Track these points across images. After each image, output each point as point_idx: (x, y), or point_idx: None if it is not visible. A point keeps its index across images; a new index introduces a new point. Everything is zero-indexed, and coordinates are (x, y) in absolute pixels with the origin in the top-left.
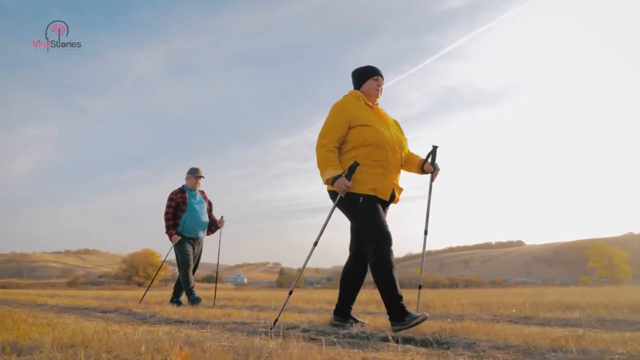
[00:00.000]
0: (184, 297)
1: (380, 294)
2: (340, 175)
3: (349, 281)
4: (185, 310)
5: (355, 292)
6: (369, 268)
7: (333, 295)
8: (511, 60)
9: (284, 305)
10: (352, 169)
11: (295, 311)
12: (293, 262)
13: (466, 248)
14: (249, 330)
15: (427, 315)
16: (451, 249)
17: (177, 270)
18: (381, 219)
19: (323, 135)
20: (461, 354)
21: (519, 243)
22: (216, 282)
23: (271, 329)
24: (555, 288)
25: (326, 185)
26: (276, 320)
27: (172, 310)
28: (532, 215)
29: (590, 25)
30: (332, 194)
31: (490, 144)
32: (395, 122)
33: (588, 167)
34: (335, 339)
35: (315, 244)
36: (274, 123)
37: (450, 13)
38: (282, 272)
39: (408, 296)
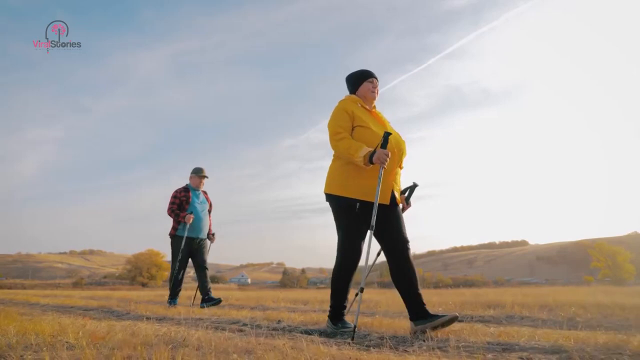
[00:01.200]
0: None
1: (330, 297)
2: (375, 150)
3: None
4: (158, 309)
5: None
6: (357, 266)
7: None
8: (515, 59)
9: (356, 306)
10: (386, 138)
11: (285, 310)
12: (297, 262)
13: (470, 248)
14: (207, 326)
15: (353, 324)
16: (455, 249)
17: (192, 272)
18: (358, 237)
19: (335, 129)
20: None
21: (523, 243)
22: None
23: (352, 338)
24: (549, 288)
25: (324, 188)
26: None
27: (148, 309)
28: (536, 215)
29: (595, 25)
30: (330, 197)
31: (494, 144)
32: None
33: (592, 167)
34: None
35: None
36: (278, 123)
37: (454, 12)
38: (285, 272)
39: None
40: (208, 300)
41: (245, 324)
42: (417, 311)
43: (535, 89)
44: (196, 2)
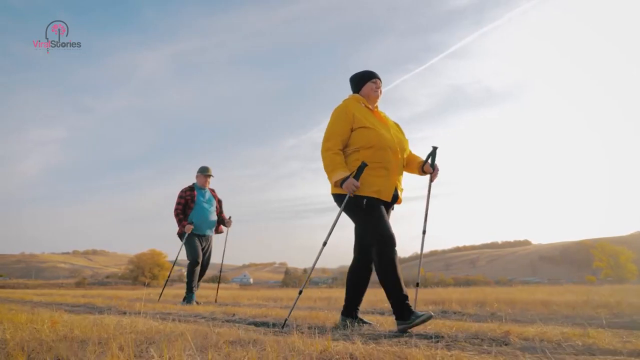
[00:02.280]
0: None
1: (386, 293)
2: (348, 177)
3: (354, 282)
4: (141, 306)
5: (362, 293)
6: (373, 268)
7: (338, 293)
8: (518, 58)
9: (294, 304)
10: (360, 169)
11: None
12: (299, 262)
13: (473, 248)
14: (172, 319)
15: (432, 314)
16: (458, 249)
17: (184, 270)
18: (384, 220)
19: (327, 139)
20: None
21: (526, 242)
22: (219, 282)
23: (282, 327)
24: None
25: (331, 189)
26: (285, 320)
27: (131, 306)
28: (539, 215)
29: (596, 24)
30: (337, 197)
31: (497, 143)
32: (396, 124)
33: (596, 166)
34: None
35: (325, 243)
36: (280, 123)
37: (456, 12)
38: (287, 272)
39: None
40: (186, 299)
41: (203, 317)
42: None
43: (538, 89)
44: (197, 2)
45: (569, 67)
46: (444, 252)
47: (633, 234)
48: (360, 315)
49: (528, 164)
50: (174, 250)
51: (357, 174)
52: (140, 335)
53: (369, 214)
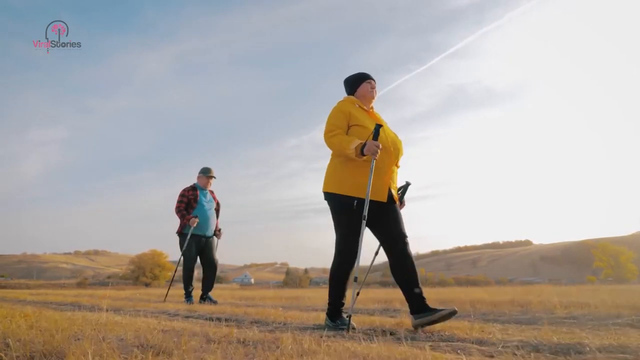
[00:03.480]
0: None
1: (329, 295)
2: (365, 143)
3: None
4: (126, 304)
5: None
6: (355, 264)
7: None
8: (519, 58)
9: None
10: (377, 130)
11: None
12: (301, 262)
13: (474, 248)
14: (146, 315)
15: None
16: (459, 249)
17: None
18: (355, 234)
19: (329, 129)
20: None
21: (527, 242)
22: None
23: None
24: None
25: (323, 186)
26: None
27: (116, 305)
28: (540, 215)
29: (597, 24)
30: (328, 196)
31: (497, 143)
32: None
33: (597, 166)
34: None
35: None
36: (281, 123)
37: (457, 11)
38: (288, 272)
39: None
40: (206, 299)
41: (177, 315)
42: (417, 305)
43: (539, 89)
44: (198, 2)
45: (569, 67)
46: (445, 252)
47: (634, 234)
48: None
49: (529, 164)
50: (174, 250)
51: (375, 136)
52: (100, 326)
53: (345, 223)
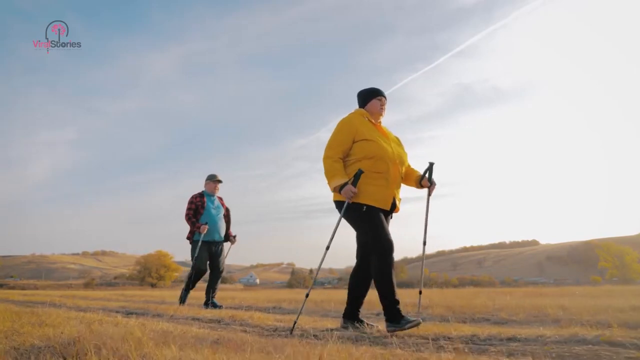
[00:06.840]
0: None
1: (380, 297)
2: (346, 183)
3: (356, 286)
4: (115, 304)
5: (363, 296)
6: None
7: (342, 294)
8: (526, 57)
9: (301, 308)
10: (357, 176)
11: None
12: (308, 262)
13: (480, 248)
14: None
15: (421, 320)
16: (465, 249)
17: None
18: (383, 227)
19: (329, 147)
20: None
21: (534, 242)
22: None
23: (290, 332)
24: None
25: (333, 196)
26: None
27: (106, 304)
28: (547, 215)
29: (599, 24)
30: (338, 204)
31: (505, 142)
32: (397, 138)
33: (603, 166)
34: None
35: (327, 248)
36: (288, 123)
37: (464, 10)
38: (293, 272)
39: (410, 298)
40: (210, 304)
41: (161, 315)
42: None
43: (546, 87)
44: (206, 3)
45: (577, 66)
46: (451, 252)
47: (639, 234)
48: (363, 318)
49: (536, 164)
50: (180, 251)
51: (355, 181)
52: (62, 318)
53: (368, 220)
